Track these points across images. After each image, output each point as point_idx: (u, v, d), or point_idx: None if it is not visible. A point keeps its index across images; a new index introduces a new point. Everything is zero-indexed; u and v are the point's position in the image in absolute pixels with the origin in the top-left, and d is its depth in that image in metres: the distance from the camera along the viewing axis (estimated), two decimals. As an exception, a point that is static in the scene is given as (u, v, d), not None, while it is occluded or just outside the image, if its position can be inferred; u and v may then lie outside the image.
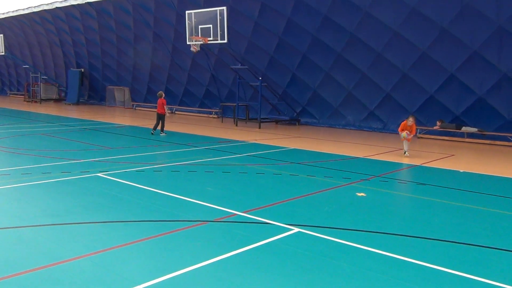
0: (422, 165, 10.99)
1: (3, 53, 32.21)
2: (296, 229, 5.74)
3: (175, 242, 5.23)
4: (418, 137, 17.05)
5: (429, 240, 5.55)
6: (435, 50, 15.73)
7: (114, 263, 4.62)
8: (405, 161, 11.49)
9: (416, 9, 15.13)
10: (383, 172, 9.85)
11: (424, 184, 8.76)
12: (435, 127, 16.88)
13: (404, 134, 11.94)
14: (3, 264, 4.50)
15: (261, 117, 19.63)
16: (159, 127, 15.45)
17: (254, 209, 6.61)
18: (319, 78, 19.32)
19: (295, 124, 20.74)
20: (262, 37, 19.73)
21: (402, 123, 12.30)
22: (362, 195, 7.69)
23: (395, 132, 18.17)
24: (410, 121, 12.05)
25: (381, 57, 17.03)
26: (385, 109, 18.37)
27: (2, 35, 32.25)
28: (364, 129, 19.09)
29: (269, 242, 5.28)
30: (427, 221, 6.35)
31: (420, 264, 4.75)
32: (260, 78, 19.56)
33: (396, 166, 10.78)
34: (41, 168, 9.15)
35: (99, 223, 5.85)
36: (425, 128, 17.31)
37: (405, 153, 12.17)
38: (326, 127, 20.05)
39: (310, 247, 5.17)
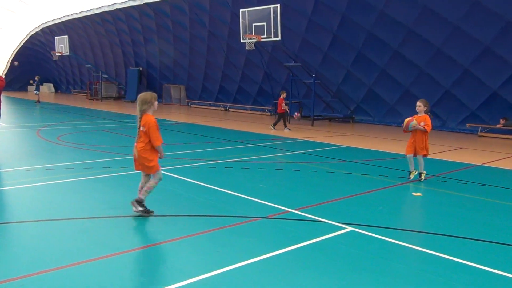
0: (483, 165, 10.50)
1: (67, 54, 33.91)
2: (349, 228, 5.67)
3: (228, 238, 5.31)
4: (480, 136, 16.27)
5: (488, 243, 5.31)
6: (498, 44, 14.97)
7: (169, 255, 4.77)
8: (465, 160, 11.01)
9: (478, 2, 14.45)
10: (441, 171, 9.51)
11: (485, 184, 8.38)
12: (498, 125, 16.08)
13: (413, 122, 8.36)
14: (66, 253, 4.76)
15: (314, 114, 19.49)
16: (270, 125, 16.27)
17: (306, 207, 6.59)
18: (374, 75, 18.91)
19: (349, 122, 20.43)
20: (315, 34, 19.56)
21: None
22: (418, 195, 7.47)
23: (454, 130, 17.47)
24: (418, 106, 8.47)
25: (440, 52, 16.41)
26: (444, 106, 17.69)
27: (67, 36, 33.95)
28: (422, 127, 18.47)
29: (321, 240, 5.25)
30: (487, 223, 6.07)
31: (478, 268, 4.56)
32: (314, 75, 19.42)
33: (455, 165, 10.36)
34: (102, 163, 9.57)
35: (155, 217, 6.04)
36: (488, 126, 16.51)
37: (409, 174, 8.47)
38: (382, 125, 19.59)
39: (363, 246, 5.09)
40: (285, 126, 16.68)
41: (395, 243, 5.20)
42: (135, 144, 6.08)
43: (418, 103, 8.48)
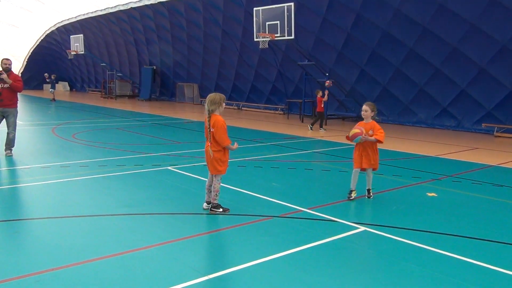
0: (499, 165, 10.36)
1: (82, 52, 34.24)
2: (362, 228, 5.64)
3: (241, 236, 5.32)
4: (495, 136, 16.06)
5: (503, 244, 5.23)
6: (516, 43, 14.75)
7: (183, 253, 4.79)
8: (481, 160, 10.87)
9: (495, 0, 14.24)
10: (456, 172, 9.40)
11: (501, 185, 8.26)
12: (515, 126, 15.84)
13: (355, 130, 6.87)
14: (80, 249, 4.81)
15: (328, 113, 19.41)
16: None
17: (319, 206, 6.57)
18: (389, 73, 18.77)
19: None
20: (330, 32, 19.47)
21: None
22: (433, 195, 7.40)
23: (469, 130, 17.26)
24: (365, 110, 6.97)
25: (456, 51, 16.22)
26: (459, 105, 17.49)
27: (82, 35, 34.28)
28: (436, 126, 18.30)
29: (334, 240, 5.23)
30: (502, 224, 5.99)
31: (493, 269, 4.50)
32: (327, 74, 19.33)
33: (470, 166, 10.24)
34: (116, 161, 9.66)
35: (169, 214, 6.08)
36: (504, 126, 16.28)
37: (350, 193, 7.02)
38: (396, 124, 19.44)
39: (377, 246, 5.06)
40: (321, 126, 16.47)
41: (409, 243, 5.16)
42: (207, 143, 6.26)
43: (364, 107, 6.92)
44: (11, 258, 4.58)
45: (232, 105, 27.04)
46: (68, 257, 4.58)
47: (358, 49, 19.01)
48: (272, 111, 24.47)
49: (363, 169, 7.06)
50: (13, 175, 8.38)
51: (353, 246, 5.06)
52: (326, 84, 17.49)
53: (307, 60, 20.53)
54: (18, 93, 10.11)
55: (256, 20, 19.87)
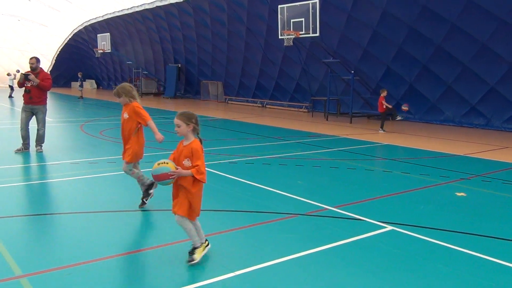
0: (531, 165, 10.09)
1: (109, 51, 34.78)
2: (389, 227, 5.58)
3: (266, 233, 5.33)
4: (527, 135, 15.63)
5: (538, 246, 5.10)
6: (549, 39, 14.33)
7: (209, 249, 4.83)
8: (511, 160, 10.60)
9: (528, -5, 13.87)
10: (486, 171, 9.20)
11: (533, 185, 8.05)
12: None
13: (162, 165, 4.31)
14: (108, 243, 4.90)
15: (353, 111, 19.25)
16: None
17: (345, 205, 6.52)
18: (415, 71, 18.48)
19: (388, 119, 20.06)
20: (355, 29, 19.28)
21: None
22: (462, 195, 7.26)
23: (499, 129, 16.86)
24: (177, 125, 4.35)
25: (485, 48, 15.85)
26: (489, 104, 17.10)
27: (109, 33, 34.82)
28: (465, 125, 17.93)
29: (360, 239, 5.19)
30: (536, 226, 5.83)
31: (527, 272, 4.39)
32: (353, 71, 19.17)
33: (501, 165, 10.00)
34: (144, 157, 9.76)
35: (203, 211, 6.12)
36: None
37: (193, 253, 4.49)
38: (423, 122, 19.14)
39: (404, 246, 5.00)
40: (381, 127, 15.69)
41: (437, 243, 5.08)
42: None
43: (176, 121, 4.36)
44: (43, 251, 4.70)
45: (256, 103, 27.07)
46: (98, 251, 4.67)
47: (384, 46, 18.78)
48: (296, 109, 24.40)
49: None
50: (43, 170, 8.59)
51: (380, 245, 5.01)
52: (403, 108, 16.55)
53: (331, 58, 20.39)
54: (47, 91, 10.32)
55: (280, 17, 19.83)
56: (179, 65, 32.87)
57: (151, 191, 6.28)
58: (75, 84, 38.73)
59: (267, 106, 26.38)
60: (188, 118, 4.35)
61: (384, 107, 15.64)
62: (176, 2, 27.13)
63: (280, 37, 20.03)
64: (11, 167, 8.81)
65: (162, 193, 7.00)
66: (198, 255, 4.41)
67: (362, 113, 20.63)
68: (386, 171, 8.99)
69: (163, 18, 30.19)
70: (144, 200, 6.26)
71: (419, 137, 14.38)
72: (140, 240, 5.05)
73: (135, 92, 6.37)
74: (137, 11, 31.37)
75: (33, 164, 9.07)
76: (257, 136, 13.75)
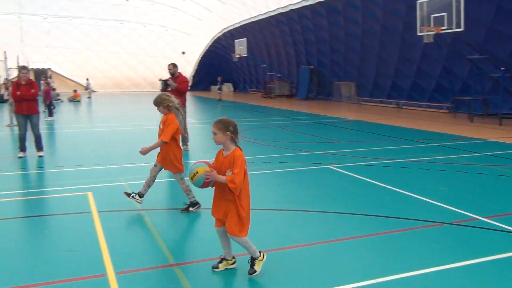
0: None
1: (245, 55, 36.37)
2: (553, 243, 4.92)
3: (405, 242, 5.07)
4: None
5: None
6: None
7: (344, 254, 4.75)
8: None
9: None
10: None
11: None
12: None
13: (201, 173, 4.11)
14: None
15: (503, 112, 17.41)
16: None
17: (499, 215, 5.91)
18: None
19: (546, 121, 17.75)
20: (505, 22, 17.40)
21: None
22: None
23: None
24: (214, 132, 4.25)
25: None
26: None
27: (245, 38, 36.43)
28: None
29: (518, 254, 4.66)
30: None
31: None
32: (503, 68, 17.33)
33: None
34: (278, 158, 10.04)
35: (329, 213, 6.10)
36: None
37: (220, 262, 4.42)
38: None
39: None
40: None
41: None
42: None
43: (213, 129, 4.23)
44: (193, 243, 5.07)
45: (391, 104, 26.01)
46: (236, 249, 4.89)
47: (542, 39, 16.65)
48: (436, 110, 22.87)
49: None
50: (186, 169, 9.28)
51: (543, 263, 4.44)
52: None
53: (478, 54, 18.70)
54: (185, 93, 11.13)
55: (419, 13, 18.76)
56: (312, 67, 33.05)
57: (191, 209, 6.24)
58: (214, 88, 41.25)
59: (403, 106, 25.18)
60: (225, 126, 4.11)
61: None
62: (310, 5, 27.31)
63: (418, 33, 18.95)
64: (140, 165, 9.70)
65: (293, 195, 7.08)
66: (257, 266, 4.23)
67: (514, 114, 18.55)
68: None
69: (297, 21, 30.64)
70: (190, 208, 6.24)
71: None
72: (273, 239, 5.17)
73: (171, 103, 6.20)
74: (271, 16, 32.32)
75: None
76: (394, 138, 13.19)
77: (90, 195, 7.00)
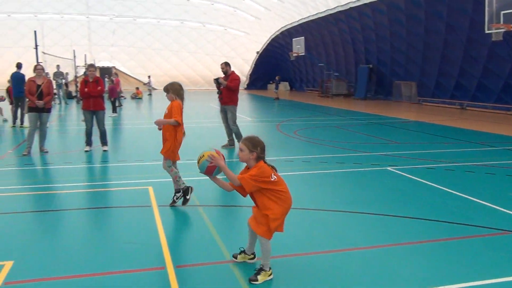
0: None
1: (303, 54, 36.17)
2: None
3: (468, 249, 4.84)
4: None
5: None
6: None
7: (400, 259, 4.62)
8: None
9: None
10: None
11: None
12: None
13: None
14: (303, 241, 5.08)
15: None
16: None
17: None
18: None
19: None
20: None
21: None
22: None
23: None
24: (240, 149, 4.25)
25: None
26: None
27: (303, 37, 36.23)
28: None
29: None
30: None
31: None
32: None
33: None
34: (335, 158, 9.91)
35: (388, 216, 5.94)
36: None
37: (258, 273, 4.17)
38: None
39: None
40: None
41: None
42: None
43: (241, 145, 4.20)
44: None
45: (454, 104, 24.95)
46: (291, 248, 4.89)
47: None
48: (504, 112, 21.66)
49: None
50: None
51: None
52: None
53: (552, 52, 17.53)
54: (236, 91, 11.26)
55: (488, 10, 17.86)
56: (371, 66, 32.34)
57: (188, 196, 6.29)
58: (271, 86, 41.40)
59: (467, 107, 24.07)
60: (253, 145, 4.06)
61: None
62: (370, 2, 26.71)
63: (486, 31, 18.05)
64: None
65: (351, 197, 6.97)
66: (261, 278, 4.08)
67: None
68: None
69: (356, 19, 30.08)
70: (175, 199, 6.36)
71: None
72: (332, 240, 5.11)
73: (182, 92, 6.49)
74: (330, 14, 31.93)
75: (236, 160, 9.97)
76: (457, 140, 12.65)
77: (150, 189, 7.24)
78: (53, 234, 5.35)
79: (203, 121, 17.79)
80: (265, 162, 4.13)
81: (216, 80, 11.18)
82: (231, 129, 11.32)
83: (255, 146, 4.07)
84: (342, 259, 4.61)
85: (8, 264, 4.38)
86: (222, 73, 11.30)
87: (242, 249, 4.55)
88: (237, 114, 11.56)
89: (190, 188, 6.36)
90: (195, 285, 4.04)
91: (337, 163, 9.39)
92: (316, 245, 4.99)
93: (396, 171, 8.56)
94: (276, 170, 4.20)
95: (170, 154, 6.35)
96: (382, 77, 32.13)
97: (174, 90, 6.47)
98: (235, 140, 11.32)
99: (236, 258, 4.53)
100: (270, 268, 4.15)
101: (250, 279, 4.10)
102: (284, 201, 4.15)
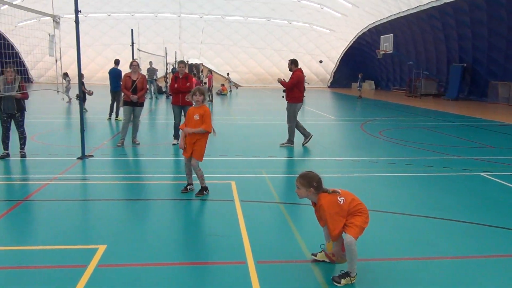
0: None
1: (391, 52, 34.94)
2: None
3: None
4: None
5: None
6: None
7: (492, 271, 4.30)
8: None
9: None
10: None
11: None
12: None
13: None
14: (386, 246, 4.90)
15: None
16: None
17: None
18: None
19: None
20: None
21: None
22: None
23: None
24: (297, 187, 4.26)
25: None
26: None
27: (392, 35, 34.98)
28: None
29: None
30: None
31: None
32: None
33: None
34: (423, 161, 9.46)
35: (481, 225, 5.56)
36: None
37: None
38: None
39: None
40: None
41: None
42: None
43: (296, 183, 4.20)
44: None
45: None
46: (373, 252, 4.74)
47: None
48: None
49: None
50: (327, 165, 9.25)
51: None
52: None
53: None
54: (292, 89, 11.24)
55: None
56: (465, 65, 30.44)
57: (205, 192, 6.79)
58: (355, 85, 40.49)
59: None
60: (308, 182, 4.08)
61: None
62: (467, -3, 25.15)
63: None
64: (280, 159, 9.85)
65: (439, 202, 6.62)
66: (344, 282, 4.01)
67: None
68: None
69: (451, 15, 28.44)
70: (204, 192, 6.80)
71: None
72: (418, 247, 4.88)
73: (206, 96, 6.91)
74: (422, 10, 30.47)
75: (316, 158, 9.87)
76: None
77: (233, 184, 7.40)
78: (142, 222, 5.66)
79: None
80: (324, 192, 4.12)
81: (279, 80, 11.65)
82: (287, 126, 11.37)
83: (310, 182, 4.10)
84: (427, 268, 4.39)
85: (102, 248, 4.70)
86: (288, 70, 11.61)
87: (323, 247, 4.52)
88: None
89: (206, 189, 6.86)
90: (275, 282, 4.06)
91: (424, 166, 8.96)
92: (399, 250, 4.80)
93: (491, 178, 7.99)
94: (339, 193, 4.15)
95: (201, 157, 6.79)
96: (477, 76, 30.14)
97: (205, 94, 6.89)
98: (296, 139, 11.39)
99: (316, 256, 4.54)
100: (356, 274, 4.07)
101: (333, 279, 4.07)
102: (362, 212, 4.19)
